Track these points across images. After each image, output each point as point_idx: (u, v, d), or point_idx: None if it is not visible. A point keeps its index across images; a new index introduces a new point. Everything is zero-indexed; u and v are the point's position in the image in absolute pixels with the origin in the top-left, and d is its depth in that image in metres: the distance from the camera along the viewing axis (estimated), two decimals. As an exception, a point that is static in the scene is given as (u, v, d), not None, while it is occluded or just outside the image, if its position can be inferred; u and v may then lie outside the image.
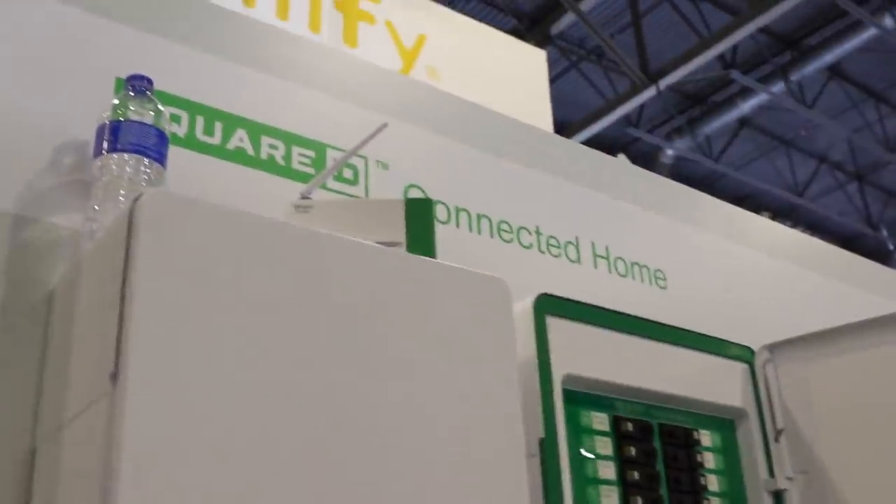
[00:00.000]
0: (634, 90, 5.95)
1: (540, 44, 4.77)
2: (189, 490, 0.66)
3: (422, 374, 0.83)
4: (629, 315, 1.09)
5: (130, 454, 0.65)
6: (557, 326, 1.01)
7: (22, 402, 0.88)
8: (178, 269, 0.73)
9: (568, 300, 1.03)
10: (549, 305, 1.01)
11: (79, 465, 0.74)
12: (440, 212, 1.26)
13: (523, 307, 1.00)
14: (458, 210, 1.28)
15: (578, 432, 1.01)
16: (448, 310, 0.88)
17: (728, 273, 1.56)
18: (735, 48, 6.02)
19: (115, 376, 0.68)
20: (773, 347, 1.19)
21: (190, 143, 1.13)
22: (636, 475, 1.02)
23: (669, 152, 6.82)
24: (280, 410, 0.73)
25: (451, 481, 0.81)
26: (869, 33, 5.85)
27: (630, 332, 1.08)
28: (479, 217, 1.29)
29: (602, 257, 1.39)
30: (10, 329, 0.90)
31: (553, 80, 5.55)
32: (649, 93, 5.88)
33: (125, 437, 0.65)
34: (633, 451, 1.03)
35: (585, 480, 0.99)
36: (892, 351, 1.12)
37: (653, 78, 5.89)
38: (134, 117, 1.01)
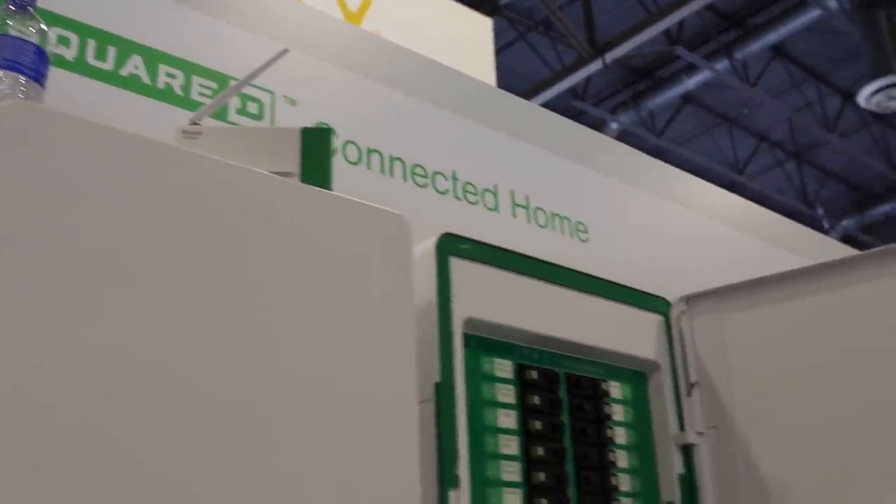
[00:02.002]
0: (581, 62, 5.94)
1: (488, 13, 4.71)
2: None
3: (309, 311, 0.78)
4: (540, 260, 1.04)
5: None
6: (461, 268, 0.96)
7: None
8: (39, 187, 0.67)
9: (474, 241, 0.98)
10: (453, 246, 0.96)
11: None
12: (351, 153, 1.20)
13: (426, 247, 0.95)
14: (369, 151, 1.22)
15: (479, 379, 0.96)
16: (341, 245, 0.82)
17: (652, 228, 1.53)
18: (681, 24, 6.03)
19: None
20: (689, 299, 1.16)
21: (79, 67, 1.05)
22: (538, 425, 0.98)
23: (614, 126, 6.82)
24: (149, 340, 0.67)
25: (336, 424, 0.76)
26: (813, 14, 5.89)
27: (540, 278, 1.04)
28: (391, 160, 1.23)
29: (521, 206, 1.34)
30: None
31: (500, 51, 5.49)
32: (595, 66, 5.87)
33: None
34: (536, 399, 0.99)
35: (484, 428, 0.94)
36: (806, 304, 1.09)
37: (600, 51, 5.88)
38: (13, 33, 0.93)
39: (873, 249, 1.08)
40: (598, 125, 6.83)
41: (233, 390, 0.70)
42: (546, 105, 6.13)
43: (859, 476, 1.02)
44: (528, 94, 6.07)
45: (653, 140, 6.86)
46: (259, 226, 0.77)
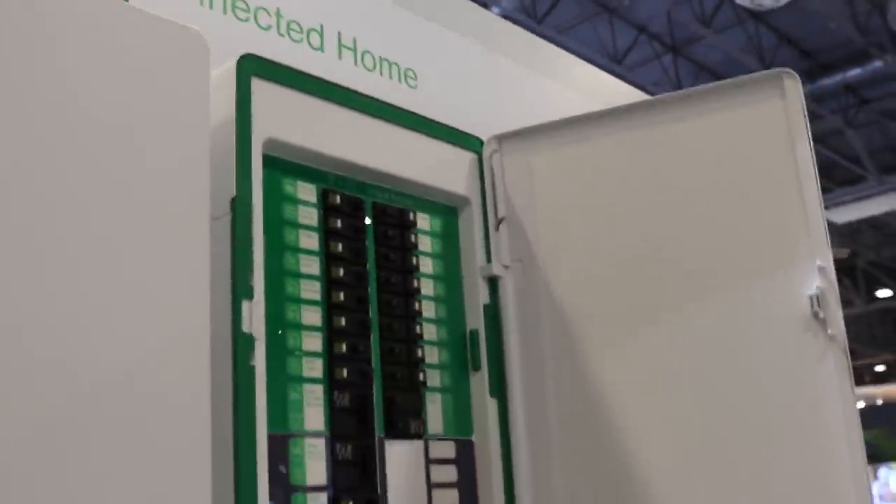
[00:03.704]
0: (462, -58, 5.83)
1: None
2: None
3: (100, 122, 0.77)
4: (351, 89, 1.05)
5: None
6: (263, 89, 0.95)
7: None
8: None
9: (277, 63, 0.98)
10: (254, 66, 0.95)
11: None
12: (169, -18, 1.17)
13: (227, 66, 0.95)
14: (189, -19, 1.19)
15: (280, 200, 0.98)
16: (134, 57, 0.82)
17: (482, 78, 1.55)
18: None
19: None
20: (501, 138, 1.19)
21: None
22: (340, 247, 1.01)
23: (495, 10, 6.78)
24: None
25: (126, 235, 0.77)
26: None
27: (350, 106, 1.05)
28: (212, -9, 1.21)
29: (348, 48, 1.34)
30: None
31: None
32: (477, -54, 5.78)
33: None
34: (339, 223, 1.01)
35: (284, 247, 0.96)
36: (610, 143, 1.14)
37: (483, -68, 5.79)
38: None
39: (668, 94, 1.13)
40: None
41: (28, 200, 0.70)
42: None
43: (652, 303, 1.09)
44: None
45: (534, 26, 6.86)
46: (38, 40, 0.75)
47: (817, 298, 1.01)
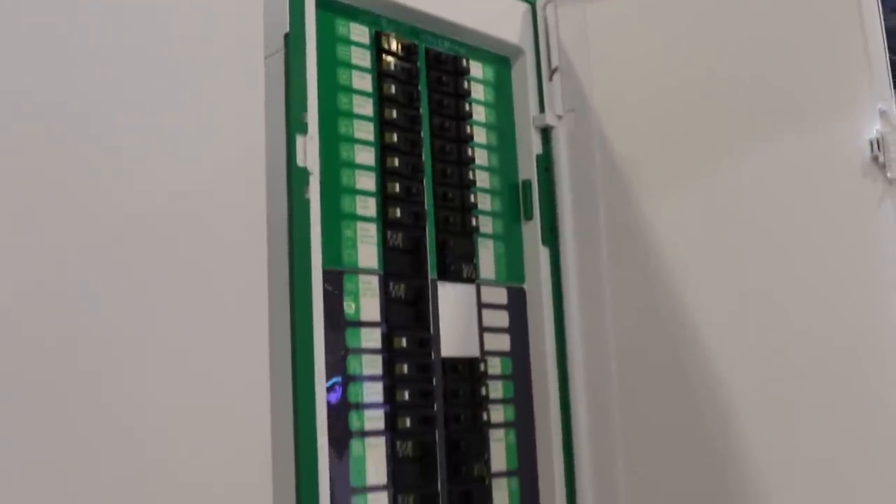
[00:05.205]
0: None
1: None
2: None
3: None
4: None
5: None
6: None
7: None
8: None
9: None
10: None
11: None
12: None
13: None
14: None
15: (333, 41, 0.98)
16: None
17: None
18: None
19: None
20: (555, -13, 1.17)
21: None
22: (393, 90, 1.01)
23: None
24: None
25: (179, 71, 0.78)
26: None
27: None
28: None
29: None
30: None
31: None
32: None
33: None
34: (392, 66, 1.01)
35: (336, 87, 0.97)
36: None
37: None
38: None
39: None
40: None
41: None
42: None
43: (707, 149, 1.08)
44: None
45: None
46: None
47: (877, 142, 0.99)
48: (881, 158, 0.99)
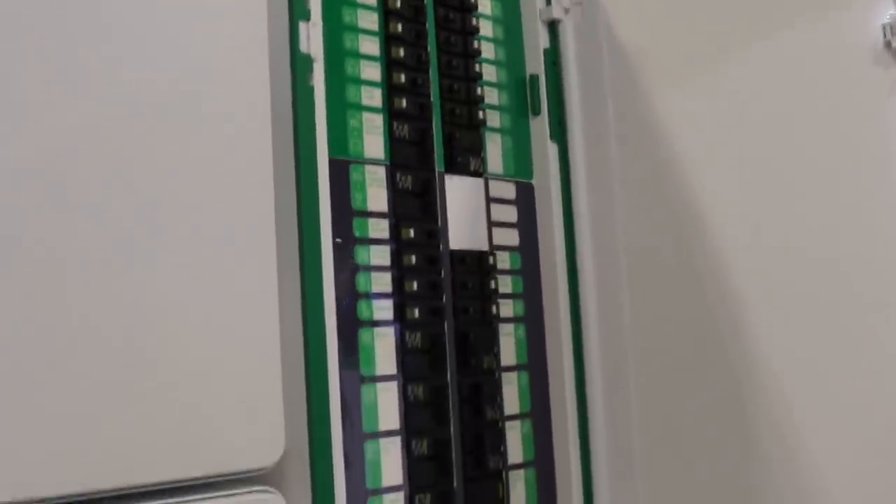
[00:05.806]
0: None
1: None
2: None
3: None
4: None
5: None
6: None
7: None
8: None
9: None
10: None
11: None
12: None
13: None
14: None
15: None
16: None
17: None
18: None
19: None
20: None
21: None
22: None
23: None
24: None
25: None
26: None
27: None
28: None
29: None
30: None
31: None
32: None
33: None
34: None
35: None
36: None
37: None
38: None
39: None
40: None
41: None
42: None
43: (717, 40, 1.06)
44: None
45: None
46: None
47: (890, 27, 0.97)
48: (893, 44, 0.97)
